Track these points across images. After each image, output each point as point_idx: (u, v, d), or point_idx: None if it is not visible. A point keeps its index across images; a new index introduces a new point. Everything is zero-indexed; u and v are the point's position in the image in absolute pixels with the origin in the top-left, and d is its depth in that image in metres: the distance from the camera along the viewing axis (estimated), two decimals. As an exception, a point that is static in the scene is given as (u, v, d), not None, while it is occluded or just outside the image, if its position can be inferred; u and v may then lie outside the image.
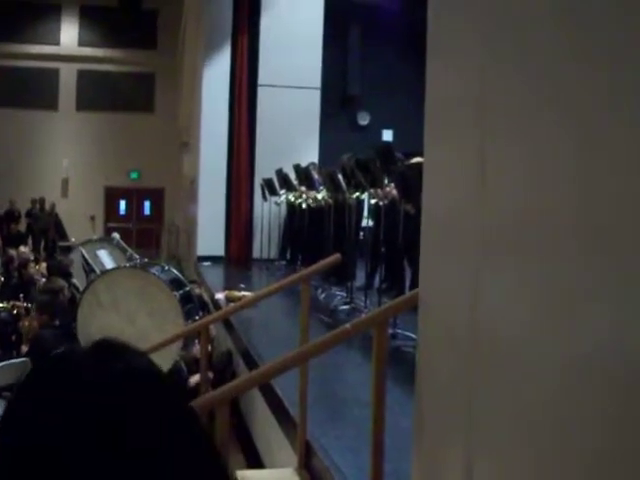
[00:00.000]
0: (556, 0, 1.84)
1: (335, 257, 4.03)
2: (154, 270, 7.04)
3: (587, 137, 1.64)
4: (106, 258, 8.29)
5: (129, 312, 6.52)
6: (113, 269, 7.32)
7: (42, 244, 20.73)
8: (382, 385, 2.66)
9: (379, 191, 8.60)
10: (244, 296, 8.73)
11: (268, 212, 13.61)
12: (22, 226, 22.32)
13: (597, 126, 1.60)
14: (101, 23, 24.82)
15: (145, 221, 25.28)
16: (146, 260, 8.42)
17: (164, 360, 6.50)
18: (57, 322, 6.15)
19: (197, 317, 6.81)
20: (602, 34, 1.60)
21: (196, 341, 6.81)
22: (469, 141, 2.30)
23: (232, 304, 7.50)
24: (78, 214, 22.80)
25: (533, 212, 1.88)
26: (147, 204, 26.04)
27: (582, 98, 1.68)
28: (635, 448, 1.45)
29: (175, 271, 7.59)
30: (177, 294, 6.79)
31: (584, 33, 1.67)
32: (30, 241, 20.39)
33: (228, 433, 2.89)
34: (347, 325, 2.72)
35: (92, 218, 22.57)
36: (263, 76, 14.60)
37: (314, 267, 4.09)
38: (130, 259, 8.67)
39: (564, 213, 1.71)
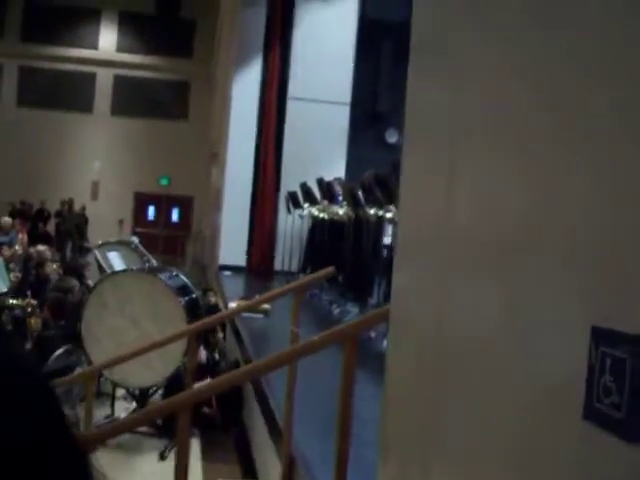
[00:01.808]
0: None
1: (328, 270, 4.01)
2: (162, 275, 7.06)
3: (551, 159, 1.63)
4: (116, 260, 8.32)
5: (134, 315, 6.54)
6: (120, 271, 7.35)
7: (69, 245, 20.92)
8: (349, 399, 2.64)
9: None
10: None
11: (291, 225, 13.61)
12: (51, 226, 22.61)
13: (562, 148, 1.59)
14: (139, 30, 25.12)
15: (173, 228, 25.43)
16: (156, 264, 8.44)
17: (167, 365, 6.51)
18: (63, 322, 6.19)
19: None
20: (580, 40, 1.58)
21: (201, 347, 6.81)
22: (440, 155, 2.31)
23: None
24: (107, 217, 23.04)
25: (500, 229, 1.88)
26: (176, 211, 26.20)
27: (550, 120, 1.67)
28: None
29: (184, 277, 7.60)
30: (183, 300, 6.80)
31: (562, 41, 1.65)
32: (56, 241, 20.58)
33: (188, 437, 2.88)
34: (315, 337, 2.71)
35: (120, 222, 22.77)
36: (293, 89, 14.64)
37: (307, 278, 4.08)
38: (146, 263, 8.69)
39: (529, 230, 1.70)
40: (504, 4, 1.99)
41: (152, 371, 5.75)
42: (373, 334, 6.62)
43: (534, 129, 1.73)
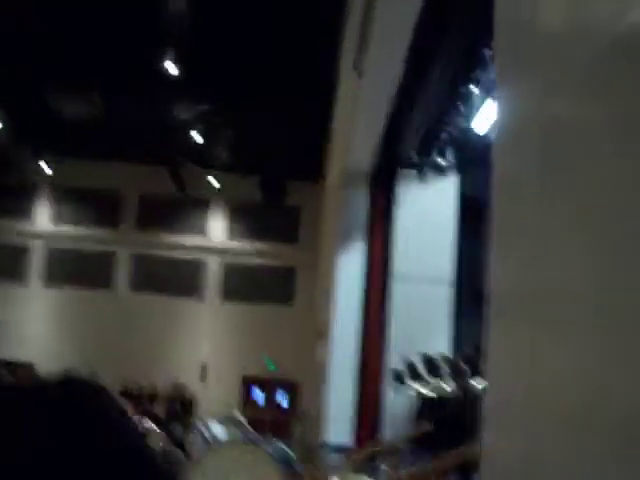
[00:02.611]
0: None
1: (425, 426, 3.93)
2: (266, 447, 7.03)
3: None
4: (220, 433, 8.34)
5: (236, 486, 6.48)
6: (223, 443, 7.35)
7: (177, 426, 21.07)
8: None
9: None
10: (360, 481, 8.56)
11: (398, 402, 13.42)
12: (160, 408, 22.91)
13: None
14: (247, 218, 26.20)
15: (280, 411, 25.37)
16: (258, 436, 8.42)
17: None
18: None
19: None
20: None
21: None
22: (522, 335, 2.46)
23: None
24: (214, 399, 23.20)
25: (581, 404, 1.93)
26: (282, 395, 26.21)
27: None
28: None
29: (287, 450, 7.54)
30: (285, 472, 6.71)
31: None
32: (165, 423, 20.75)
33: None
34: (402, 472, 2.66)
35: (228, 405, 22.82)
36: (396, 268, 14.79)
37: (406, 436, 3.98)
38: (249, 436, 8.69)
39: (604, 405, 1.75)
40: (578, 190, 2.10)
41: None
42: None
43: (606, 308, 1.80)
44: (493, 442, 2.69)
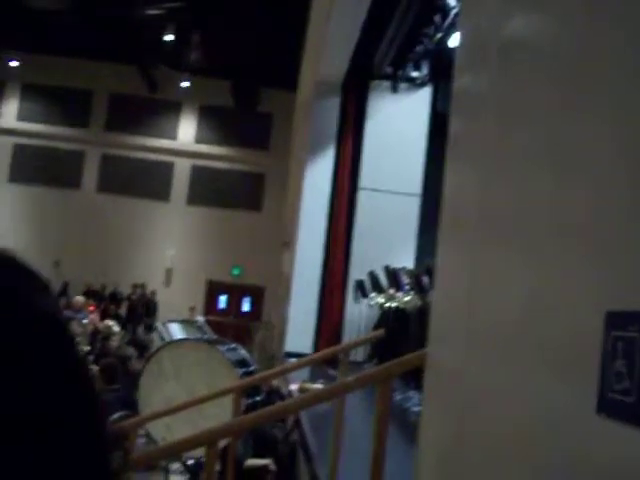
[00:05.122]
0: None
1: (379, 332, 3.95)
2: (220, 347, 7.08)
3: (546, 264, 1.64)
4: (177, 331, 8.38)
5: (189, 384, 6.54)
6: (179, 340, 7.39)
7: (139, 327, 21.29)
8: (383, 441, 2.57)
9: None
10: (317, 389, 8.67)
11: (359, 313, 13.53)
12: (123, 309, 23.08)
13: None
14: (218, 122, 25.88)
15: (243, 317, 25.55)
16: (215, 337, 8.47)
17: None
18: (117, 386, 6.22)
19: (258, 397, 6.78)
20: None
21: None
22: (465, 246, 2.48)
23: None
24: (178, 304, 23.26)
25: (510, 323, 1.97)
26: (247, 301, 26.37)
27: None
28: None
29: (243, 351, 7.60)
30: (240, 372, 6.78)
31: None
32: (127, 323, 20.96)
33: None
34: (350, 378, 2.67)
35: (191, 309, 22.93)
36: (364, 179, 14.76)
37: (355, 340, 4.01)
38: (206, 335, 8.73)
39: (534, 311, 1.77)
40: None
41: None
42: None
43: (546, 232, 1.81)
44: (436, 350, 2.72)
